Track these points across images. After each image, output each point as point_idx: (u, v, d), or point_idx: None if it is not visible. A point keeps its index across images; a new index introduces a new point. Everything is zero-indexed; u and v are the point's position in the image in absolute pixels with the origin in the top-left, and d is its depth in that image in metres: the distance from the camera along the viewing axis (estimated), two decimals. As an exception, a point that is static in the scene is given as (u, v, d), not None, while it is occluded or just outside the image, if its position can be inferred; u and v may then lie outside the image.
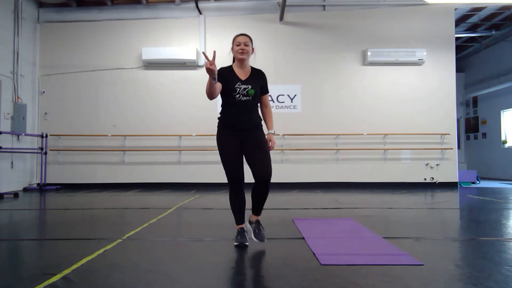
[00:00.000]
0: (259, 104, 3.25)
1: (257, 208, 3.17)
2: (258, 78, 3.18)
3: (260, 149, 3.08)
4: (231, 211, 3.19)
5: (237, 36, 3.13)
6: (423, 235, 3.44)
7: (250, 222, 3.21)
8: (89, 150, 8.54)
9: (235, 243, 3.10)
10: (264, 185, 3.06)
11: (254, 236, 3.10)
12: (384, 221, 4.47)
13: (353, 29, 8.80)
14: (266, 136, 3.17)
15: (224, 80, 3.04)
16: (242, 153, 3.13)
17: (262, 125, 3.22)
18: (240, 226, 3.19)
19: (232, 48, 3.15)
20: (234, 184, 3.11)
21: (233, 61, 3.20)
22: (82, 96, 8.70)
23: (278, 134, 8.37)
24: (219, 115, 3.19)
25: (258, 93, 3.14)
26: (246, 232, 3.18)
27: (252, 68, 3.22)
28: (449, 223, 4.46)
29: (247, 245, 3.08)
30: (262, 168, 3.05)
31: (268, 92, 3.27)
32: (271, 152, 3.15)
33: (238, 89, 3.06)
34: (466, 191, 7.66)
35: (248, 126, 3.11)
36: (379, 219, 4.53)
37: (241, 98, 3.07)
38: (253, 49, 3.16)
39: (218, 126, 3.18)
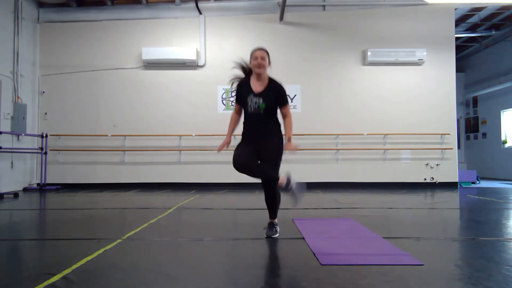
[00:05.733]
0: (279, 112, 3.36)
1: (269, 211, 3.43)
2: (273, 92, 3.26)
3: (268, 153, 3.24)
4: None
5: (255, 50, 3.27)
6: (423, 235, 3.44)
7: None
8: (89, 150, 8.54)
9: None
10: (265, 184, 3.26)
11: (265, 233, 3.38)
12: (384, 221, 4.46)
13: (353, 29, 8.80)
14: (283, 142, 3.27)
15: (240, 93, 3.32)
16: (256, 154, 3.25)
17: (278, 132, 3.34)
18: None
19: (250, 61, 3.30)
20: (237, 166, 3.13)
21: (251, 73, 3.35)
22: (82, 96, 8.70)
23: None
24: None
25: (271, 106, 3.24)
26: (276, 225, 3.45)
27: (270, 81, 3.32)
28: (449, 223, 4.46)
29: (272, 237, 3.32)
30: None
31: (286, 104, 3.34)
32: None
33: (250, 102, 3.23)
34: (466, 191, 7.66)
35: (261, 137, 3.26)
36: (379, 219, 4.53)
37: (252, 111, 3.24)
38: (269, 62, 3.28)
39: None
